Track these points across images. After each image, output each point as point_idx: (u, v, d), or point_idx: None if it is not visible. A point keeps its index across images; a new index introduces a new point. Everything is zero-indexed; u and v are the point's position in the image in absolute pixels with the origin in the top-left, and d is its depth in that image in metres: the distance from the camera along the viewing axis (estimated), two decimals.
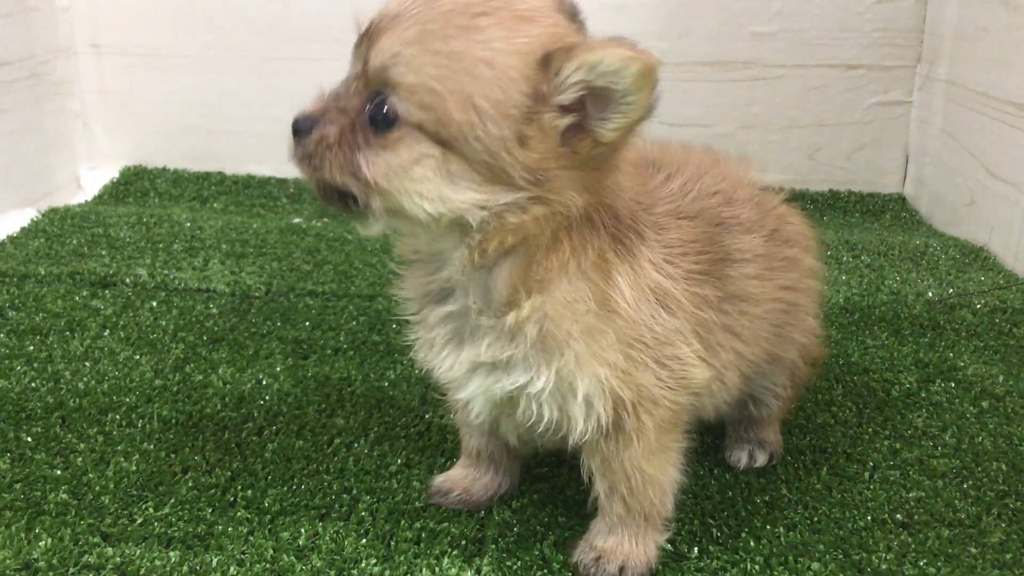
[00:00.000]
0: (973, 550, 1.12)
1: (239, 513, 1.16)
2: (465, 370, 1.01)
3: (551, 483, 1.25)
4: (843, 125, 2.60)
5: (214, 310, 1.71)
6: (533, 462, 1.26)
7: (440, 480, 1.22)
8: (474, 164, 0.88)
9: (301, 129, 0.93)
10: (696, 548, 1.12)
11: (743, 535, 1.14)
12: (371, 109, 0.89)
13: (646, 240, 1.00)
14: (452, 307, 1.01)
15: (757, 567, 1.08)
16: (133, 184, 2.52)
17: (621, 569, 1.07)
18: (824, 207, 2.54)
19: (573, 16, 0.96)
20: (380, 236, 2.08)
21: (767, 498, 1.22)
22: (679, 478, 1.09)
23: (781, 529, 1.15)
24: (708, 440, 1.34)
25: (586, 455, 1.07)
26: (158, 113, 2.64)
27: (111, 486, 1.20)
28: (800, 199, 2.49)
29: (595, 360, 0.97)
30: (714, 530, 1.15)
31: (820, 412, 1.42)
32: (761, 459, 1.28)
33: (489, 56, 0.86)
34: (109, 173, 2.58)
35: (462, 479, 1.22)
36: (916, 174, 2.58)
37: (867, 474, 1.27)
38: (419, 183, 0.89)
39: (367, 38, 0.91)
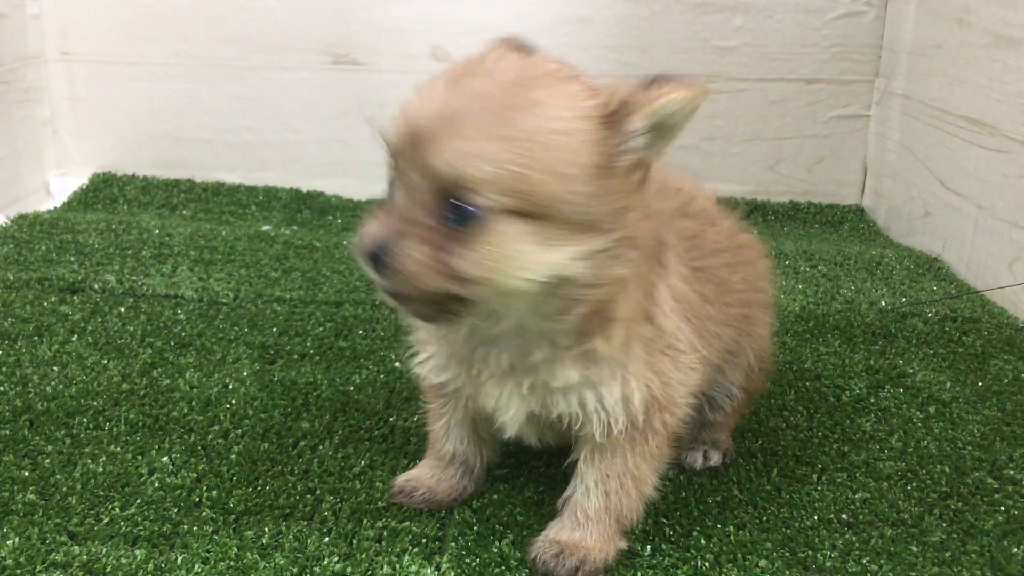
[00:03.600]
0: (914, 549, 1.16)
1: (204, 513, 1.18)
2: (517, 398, 1.06)
3: (511, 484, 1.28)
4: (803, 138, 2.65)
5: (182, 316, 1.73)
6: (493, 464, 1.30)
7: (403, 480, 1.25)
8: (565, 224, 0.91)
9: (380, 257, 0.91)
10: (649, 546, 1.15)
11: (694, 534, 1.18)
12: (447, 211, 0.89)
13: (673, 251, 1.07)
14: (504, 346, 1.03)
15: (707, 564, 1.12)
16: (102, 191, 2.54)
17: (580, 564, 1.10)
18: (785, 218, 2.60)
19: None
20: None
21: (719, 498, 1.26)
22: (654, 492, 1.14)
23: (731, 528, 1.19)
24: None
25: (586, 449, 1.11)
26: (127, 121, 2.66)
27: (78, 487, 1.22)
28: (761, 210, 2.58)
29: (647, 368, 1.03)
30: (667, 529, 1.19)
31: (772, 416, 1.46)
32: (715, 458, 1.32)
33: (561, 125, 0.88)
34: (78, 180, 2.60)
35: (428, 479, 1.25)
36: (874, 186, 2.64)
37: (815, 476, 1.31)
38: (517, 260, 0.91)
39: (418, 145, 0.89)
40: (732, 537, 1.17)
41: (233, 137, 2.66)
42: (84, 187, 2.56)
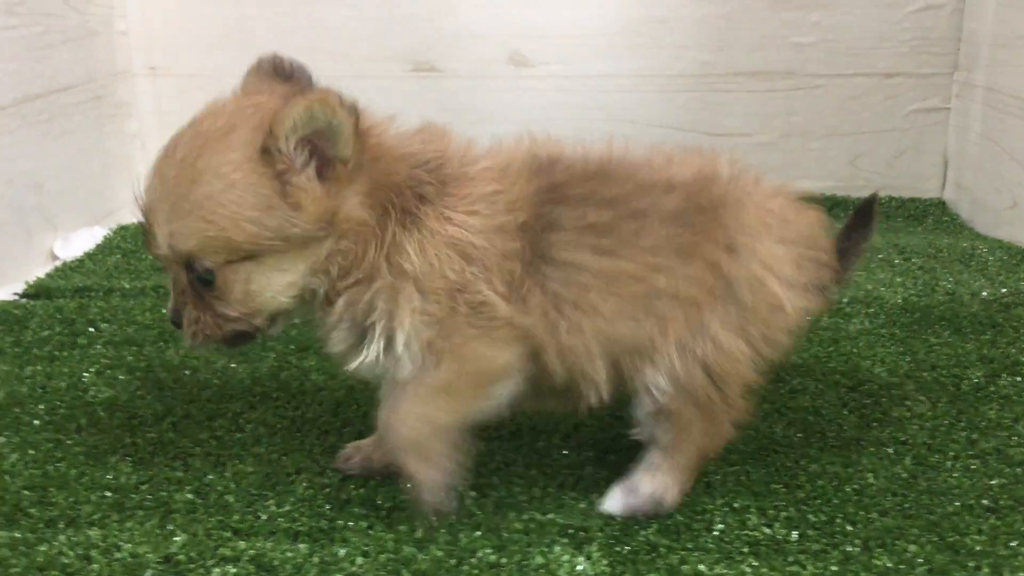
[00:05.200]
0: None
1: (356, 509, 1.22)
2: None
3: None
4: (882, 132, 2.66)
5: (296, 320, 1.77)
6: (627, 458, 1.32)
7: (348, 448, 1.32)
8: (281, 251, 1.06)
9: (176, 322, 1.13)
10: (795, 532, 1.18)
11: (838, 520, 1.20)
12: (194, 279, 1.08)
13: (432, 200, 1.11)
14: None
15: (857, 549, 1.14)
16: None
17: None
18: None
19: (289, 75, 1.19)
20: None
21: (855, 487, 1.27)
22: (454, 424, 1.14)
23: (875, 515, 1.21)
24: (790, 433, 1.40)
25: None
26: None
27: (232, 486, 1.26)
28: (842, 205, 2.58)
29: (402, 312, 1.09)
30: (810, 516, 1.21)
31: (895, 407, 1.47)
32: (614, 504, 1.23)
33: (224, 183, 1.03)
34: None
35: (366, 447, 1.31)
36: (955, 179, 2.64)
37: (948, 463, 1.32)
38: (263, 292, 1.09)
39: (145, 231, 1.10)
40: (876, 523, 1.19)
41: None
42: None
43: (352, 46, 2.64)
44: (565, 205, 1.15)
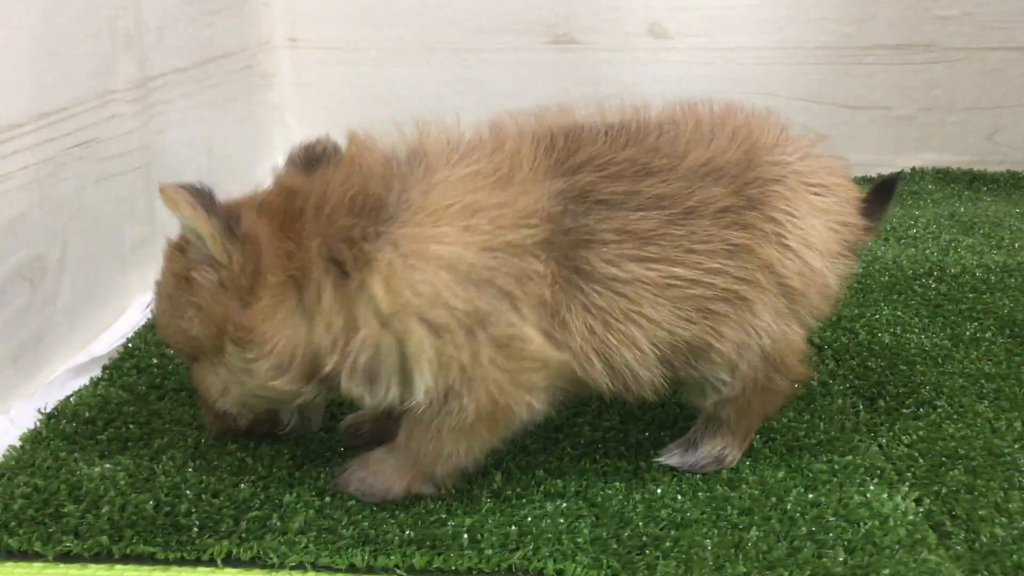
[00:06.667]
0: None
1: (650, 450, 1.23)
2: None
3: (926, 420, 1.31)
4: (1022, 107, 2.65)
5: None
6: (896, 403, 1.31)
7: (352, 418, 1.27)
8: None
9: None
10: None
11: None
12: None
13: (374, 236, 1.01)
14: None
15: None
16: None
17: (362, 482, 1.14)
18: (1007, 187, 2.58)
19: (319, 159, 1.14)
20: None
21: None
22: (471, 462, 1.12)
23: None
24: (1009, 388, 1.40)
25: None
26: (349, 106, 2.71)
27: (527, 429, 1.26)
28: (980, 180, 2.57)
29: (421, 361, 1.01)
30: None
31: None
32: (675, 459, 1.22)
33: (166, 287, 1.11)
34: None
35: (371, 416, 1.25)
36: None
37: None
38: (225, 387, 1.11)
39: None
40: None
41: (452, 119, 2.69)
42: None
43: (490, 18, 2.63)
44: (598, 212, 1.06)
